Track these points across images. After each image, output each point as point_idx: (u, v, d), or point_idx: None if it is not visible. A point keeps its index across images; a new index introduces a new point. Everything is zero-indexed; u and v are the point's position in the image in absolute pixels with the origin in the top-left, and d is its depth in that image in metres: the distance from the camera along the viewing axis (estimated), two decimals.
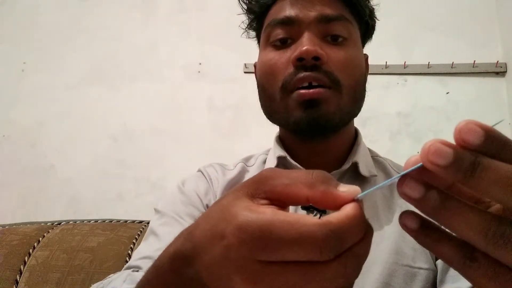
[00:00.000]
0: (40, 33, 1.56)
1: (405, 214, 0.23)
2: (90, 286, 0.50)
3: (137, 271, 0.49)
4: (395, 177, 0.23)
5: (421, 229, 0.23)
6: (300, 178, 0.23)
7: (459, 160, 0.19)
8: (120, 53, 1.53)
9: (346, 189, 0.23)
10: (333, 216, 0.22)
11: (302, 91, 0.52)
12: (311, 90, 0.52)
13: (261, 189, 0.24)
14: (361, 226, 0.22)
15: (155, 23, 1.55)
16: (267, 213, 0.22)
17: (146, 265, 0.47)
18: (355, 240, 0.22)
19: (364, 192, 0.23)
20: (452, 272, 0.50)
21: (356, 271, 0.22)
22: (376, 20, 0.63)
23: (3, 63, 1.54)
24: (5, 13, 1.57)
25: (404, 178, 0.22)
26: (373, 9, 0.62)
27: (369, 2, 0.60)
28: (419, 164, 0.21)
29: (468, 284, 0.47)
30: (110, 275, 0.51)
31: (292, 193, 0.23)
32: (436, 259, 0.53)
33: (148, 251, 0.52)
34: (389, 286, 0.49)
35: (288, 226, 0.21)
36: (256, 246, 0.21)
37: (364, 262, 0.23)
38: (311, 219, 0.21)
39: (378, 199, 0.56)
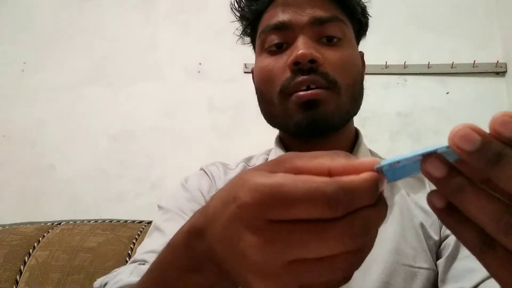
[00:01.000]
0: (40, 33, 1.56)
1: (433, 193, 0.24)
2: (90, 286, 0.50)
3: (143, 264, 0.49)
4: (420, 152, 0.23)
5: (446, 209, 0.23)
6: (321, 153, 0.24)
7: (485, 148, 0.20)
8: (120, 53, 1.53)
9: (366, 159, 0.23)
10: (345, 176, 0.22)
11: (301, 93, 0.52)
12: (310, 91, 0.52)
13: (281, 165, 0.24)
14: (372, 191, 0.22)
15: (155, 23, 1.55)
16: (278, 175, 0.22)
17: (152, 259, 0.47)
18: (364, 203, 0.22)
19: (387, 161, 0.23)
20: (454, 272, 0.50)
21: (363, 234, 0.22)
22: (369, 17, 0.64)
23: (3, 63, 1.54)
24: (5, 13, 1.57)
25: (428, 156, 0.22)
26: (365, 6, 0.62)
27: (360, 0, 0.61)
28: (445, 145, 0.21)
29: (471, 284, 0.47)
30: (115, 269, 0.51)
31: (313, 166, 0.23)
32: (437, 259, 0.53)
33: (153, 246, 0.52)
34: (389, 285, 0.50)
35: (299, 183, 0.21)
36: (267, 204, 0.21)
37: (375, 232, 0.23)
38: (322, 178, 0.22)
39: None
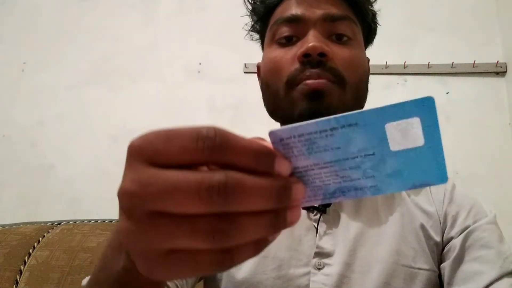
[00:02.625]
0: (40, 33, 1.56)
1: None
2: None
3: None
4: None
5: None
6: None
7: None
8: (120, 53, 1.53)
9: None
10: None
11: (309, 81, 0.52)
12: (317, 80, 0.51)
13: None
14: (255, 155, 0.21)
15: (155, 23, 1.55)
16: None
17: None
18: (240, 162, 0.20)
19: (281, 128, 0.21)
20: (461, 274, 0.50)
21: (221, 192, 0.19)
22: (378, 25, 0.64)
23: (3, 63, 1.54)
24: (5, 13, 1.57)
25: None
26: (376, 13, 0.63)
27: (372, 6, 0.61)
28: None
29: (479, 286, 0.47)
30: None
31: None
32: (441, 262, 0.53)
33: None
34: (389, 286, 0.49)
35: (180, 128, 0.21)
36: (147, 148, 0.21)
37: (250, 199, 0.20)
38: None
39: (379, 200, 0.57)
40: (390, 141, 0.20)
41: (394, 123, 0.20)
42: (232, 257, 0.21)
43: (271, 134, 0.22)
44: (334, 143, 0.21)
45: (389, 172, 0.21)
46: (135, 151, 0.21)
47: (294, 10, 0.56)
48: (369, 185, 0.22)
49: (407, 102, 0.19)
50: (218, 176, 0.19)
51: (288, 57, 0.55)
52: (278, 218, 0.21)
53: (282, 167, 0.22)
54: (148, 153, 0.21)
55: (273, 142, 0.22)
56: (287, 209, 0.22)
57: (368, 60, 0.64)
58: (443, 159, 0.21)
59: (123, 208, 0.22)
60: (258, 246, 0.22)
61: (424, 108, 0.19)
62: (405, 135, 0.20)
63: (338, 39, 0.55)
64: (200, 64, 1.51)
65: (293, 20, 0.55)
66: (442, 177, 0.21)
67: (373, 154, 0.21)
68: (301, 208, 0.23)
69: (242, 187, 0.20)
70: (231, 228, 0.20)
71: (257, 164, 0.21)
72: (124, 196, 0.22)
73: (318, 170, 0.22)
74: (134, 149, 0.22)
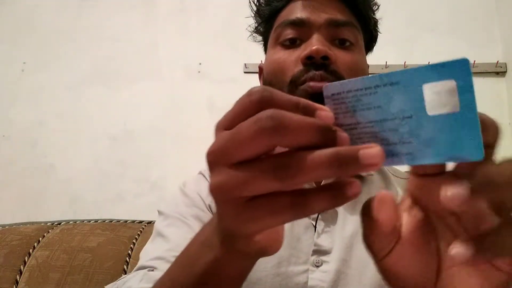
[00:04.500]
0: (40, 33, 1.56)
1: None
2: (90, 286, 0.49)
3: (152, 271, 0.49)
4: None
5: None
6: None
7: None
8: (120, 53, 1.53)
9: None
10: None
11: (312, 83, 0.52)
12: (320, 83, 0.52)
13: None
14: (289, 100, 0.23)
15: (155, 23, 1.55)
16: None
17: (161, 265, 0.48)
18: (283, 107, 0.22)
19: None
20: None
21: (268, 121, 0.22)
22: (379, 33, 0.65)
23: (3, 63, 1.54)
24: (5, 13, 1.57)
25: None
26: (377, 20, 0.64)
27: (374, 13, 0.63)
28: None
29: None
30: (123, 276, 0.50)
31: None
32: None
33: (158, 252, 0.52)
34: None
35: (241, 126, 0.24)
36: (216, 153, 0.25)
37: (297, 131, 0.22)
38: None
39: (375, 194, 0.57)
40: (427, 104, 0.20)
41: (431, 84, 0.20)
42: (305, 201, 0.22)
43: (325, 88, 0.23)
44: (376, 101, 0.21)
45: (425, 139, 0.21)
46: (209, 158, 0.25)
47: (300, 13, 0.57)
48: (405, 152, 0.21)
49: (444, 62, 0.19)
50: (266, 111, 0.22)
51: (292, 59, 0.55)
52: (339, 158, 0.22)
53: (323, 115, 0.23)
54: (218, 156, 0.24)
55: (325, 97, 0.23)
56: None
57: (368, 67, 0.64)
58: (478, 131, 0.19)
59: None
60: (334, 196, 0.22)
61: (458, 71, 0.19)
62: (441, 99, 0.20)
63: (341, 44, 0.56)
64: (200, 64, 1.51)
65: (298, 23, 0.56)
66: (477, 152, 0.19)
67: (411, 116, 0.21)
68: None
69: (289, 118, 0.21)
70: (289, 161, 0.21)
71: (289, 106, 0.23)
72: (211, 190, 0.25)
73: (360, 129, 0.22)
74: (208, 156, 0.25)
